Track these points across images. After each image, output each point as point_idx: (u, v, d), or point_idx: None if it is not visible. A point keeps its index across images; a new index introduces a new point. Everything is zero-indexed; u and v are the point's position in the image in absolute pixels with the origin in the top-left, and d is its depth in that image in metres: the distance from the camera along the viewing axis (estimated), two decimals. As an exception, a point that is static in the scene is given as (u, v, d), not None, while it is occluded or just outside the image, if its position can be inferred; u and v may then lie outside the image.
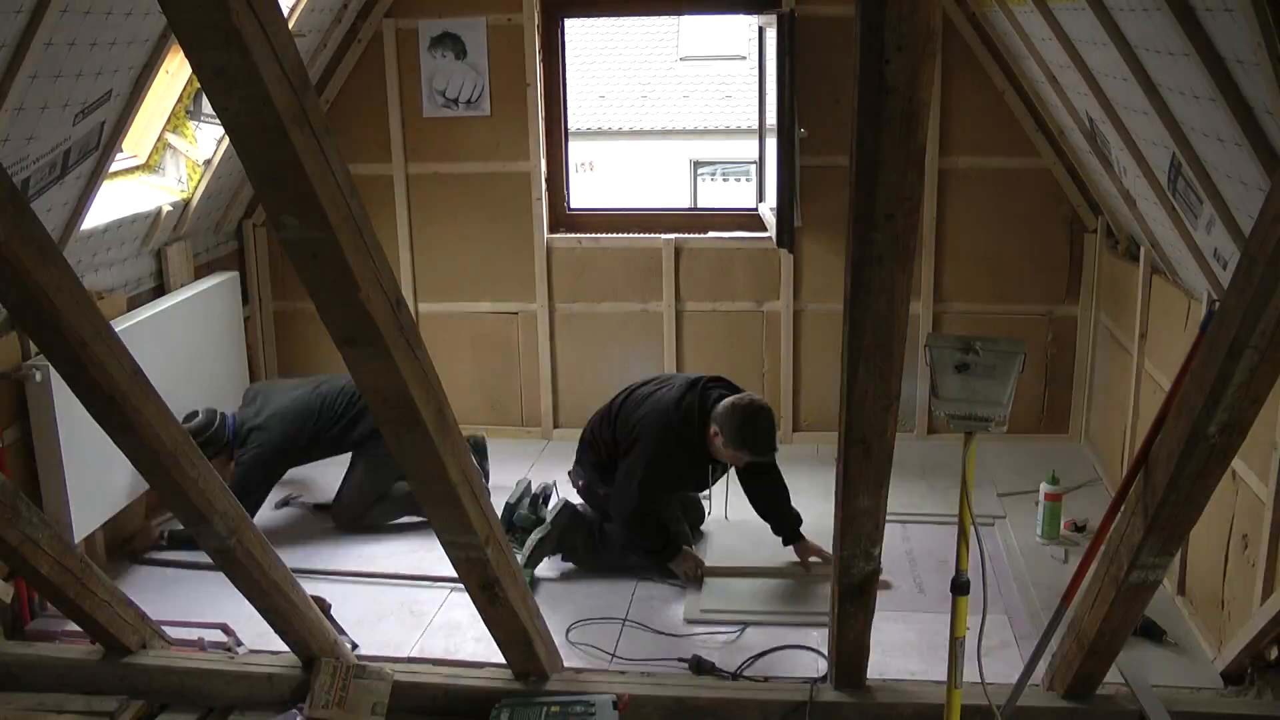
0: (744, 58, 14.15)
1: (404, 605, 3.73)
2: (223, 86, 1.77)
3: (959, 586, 2.40)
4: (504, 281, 5.12)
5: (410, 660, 3.36)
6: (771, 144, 4.74)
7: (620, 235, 5.06)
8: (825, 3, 4.65)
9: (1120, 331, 4.35)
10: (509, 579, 2.85)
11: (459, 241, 5.09)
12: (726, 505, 4.15)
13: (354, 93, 4.96)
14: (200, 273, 4.69)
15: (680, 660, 3.30)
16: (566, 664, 3.25)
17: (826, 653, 3.15)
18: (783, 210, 4.53)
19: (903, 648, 3.36)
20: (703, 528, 4.18)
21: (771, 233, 4.74)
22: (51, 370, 3.36)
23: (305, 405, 4.19)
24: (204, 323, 4.50)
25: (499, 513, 3.72)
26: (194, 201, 4.44)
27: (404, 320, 2.24)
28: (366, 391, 2.33)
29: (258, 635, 3.35)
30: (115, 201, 4.02)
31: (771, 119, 4.71)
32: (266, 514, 4.27)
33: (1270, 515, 2.91)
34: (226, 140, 4.25)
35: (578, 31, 13.50)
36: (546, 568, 3.92)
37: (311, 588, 3.31)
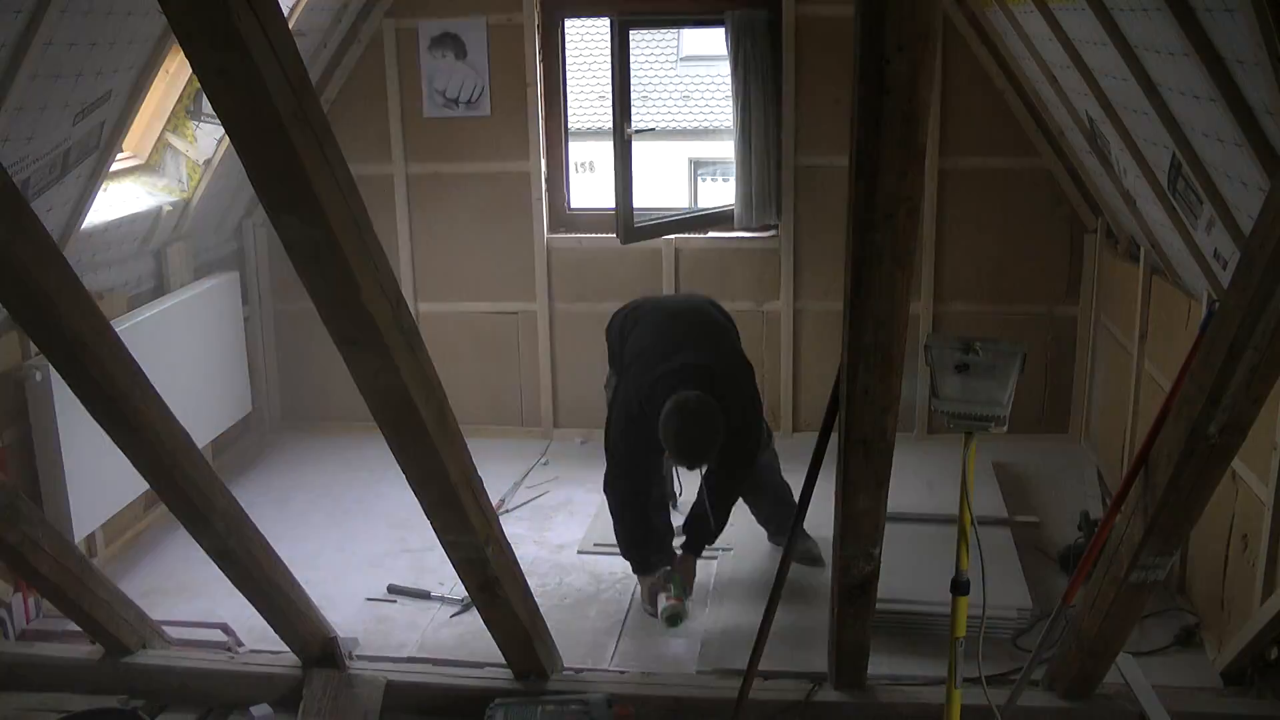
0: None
1: (405, 603, 3.73)
2: (223, 86, 1.78)
3: (959, 586, 2.40)
4: (504, 281, 5.12)
5: (410, 660, 3.36)
6: (731, 143, 4.86)
7: (620, 235, 5.06)
8: (825, 3, 4.65)
9: (1120, 331, 4.35)
10: (509, 579, 2.86)
11: (459, 241, 5.09)
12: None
13: (354, 93, 4.96)
14: (200, 273, 4.69)
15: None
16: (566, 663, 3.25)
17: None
18: (621, 207, 4.75)
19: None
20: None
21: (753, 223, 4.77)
22: (51, 370, 3.36)
23: None
24: (204, 323, 4.50)
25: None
26: (194, 201, 4.44)
27: (404, 320, 2.25)
28: (366, 391, 2.33)
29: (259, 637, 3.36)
30: (115, 201, 4.02)
31: (737, 119, 4.79)
32: (268, 513, 4.25)
33: (1270, 515, 2.91)
34: (226, 140, 4.24)
35: (578, 31, 13.48)
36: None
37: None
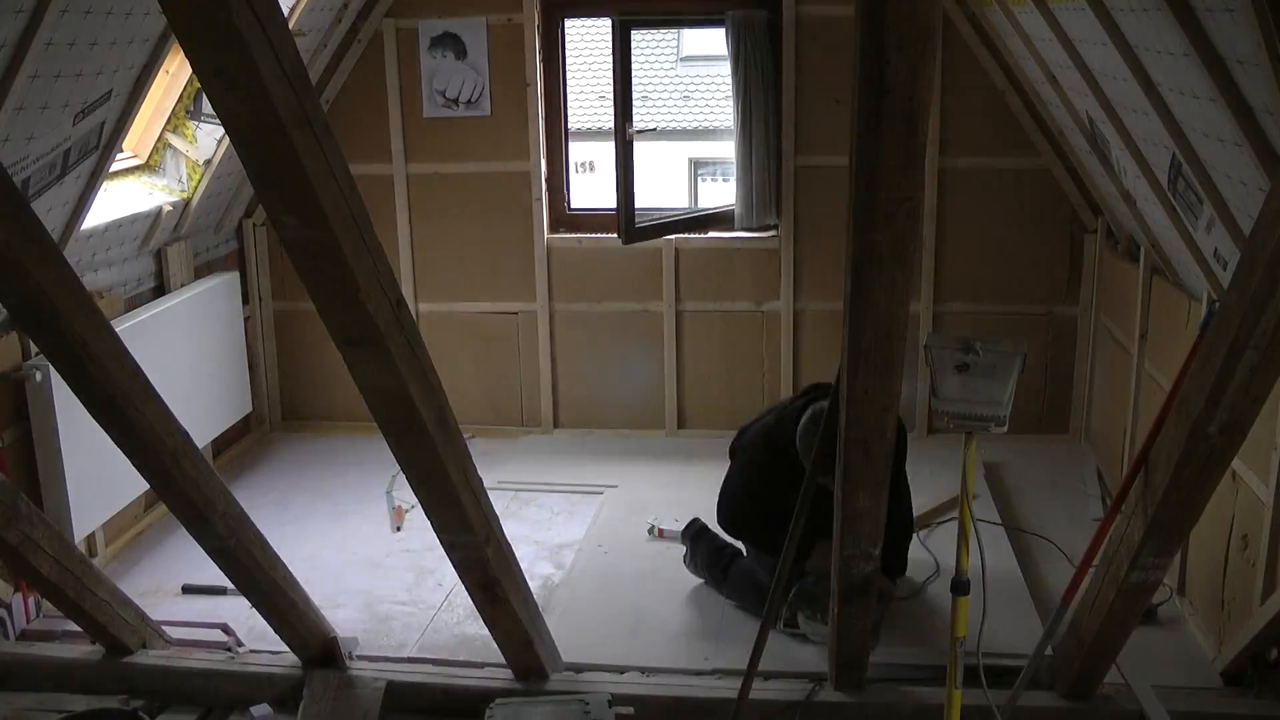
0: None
1: (406, 603, 3.73)
2: (223, 86, 1.77)
3: (959, 586, 2.40)
4: (504, 281, 5.12)
5: (410, 660, 3.36)
6: (731, 143, 4.87)
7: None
8: (825, 3, 4.65)
9: (1120, 331, 4.35)
10: (509, 579, 2.85)
11: (459, 241, 5.09)
12: None
13: (354, 93, 4.96)
14: (200, 273, 4.69)
15: None
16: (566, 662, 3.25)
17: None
18: (621, 207, 4.74)
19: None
20: None
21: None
22: (51, 370, 3.36)
23: None
24: (204, 323, 4.50)
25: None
26: (194, 201, 4.44)
27: (404, 320, 2.25)
28: (367, 391, 2.33)
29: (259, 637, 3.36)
30: (115, 201, 4.02)
31: (737, 119, 4.81)
32: (268, 514, 4.25)
33: (1270, 515, 2.91)
34: (226, 140, 4.25)
35: (578, 31, 13.48)
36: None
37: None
